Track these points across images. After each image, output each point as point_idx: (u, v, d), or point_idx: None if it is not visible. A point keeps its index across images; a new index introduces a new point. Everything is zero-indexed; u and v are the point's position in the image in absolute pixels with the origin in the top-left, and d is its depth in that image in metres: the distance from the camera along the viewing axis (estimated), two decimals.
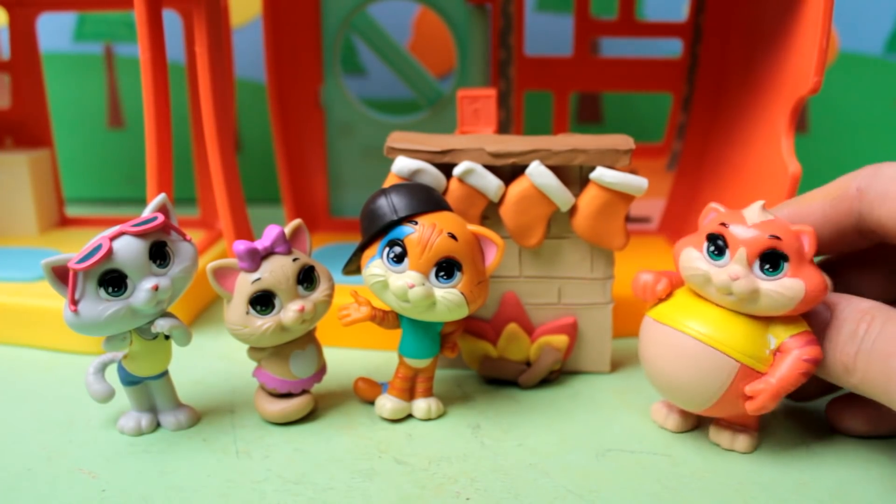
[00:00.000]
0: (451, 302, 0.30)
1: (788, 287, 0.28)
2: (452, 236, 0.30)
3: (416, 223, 0.30)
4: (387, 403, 0.34)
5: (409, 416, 0.34)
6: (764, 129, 0.40)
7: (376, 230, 0.31)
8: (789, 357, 0.28)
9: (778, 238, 0.28)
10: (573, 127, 0.72)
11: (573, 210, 0.35)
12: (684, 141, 0.54)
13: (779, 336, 0.29)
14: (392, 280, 0.30)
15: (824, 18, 0.33)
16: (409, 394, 0.34)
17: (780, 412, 0.35)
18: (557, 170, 0.34)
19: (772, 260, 0.28)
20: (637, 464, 0.30)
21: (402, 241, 0.30)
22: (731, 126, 0.47)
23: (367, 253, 0.32)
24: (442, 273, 0.30)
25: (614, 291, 0.37)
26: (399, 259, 0.30)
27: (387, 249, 0.31)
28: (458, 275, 0.30)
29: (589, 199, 0.34)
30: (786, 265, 0.28)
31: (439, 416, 0.34)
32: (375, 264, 0.31)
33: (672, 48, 0.61)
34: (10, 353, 0.41)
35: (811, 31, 0.34)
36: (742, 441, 0.31)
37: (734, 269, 0.28)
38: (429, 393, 0.34)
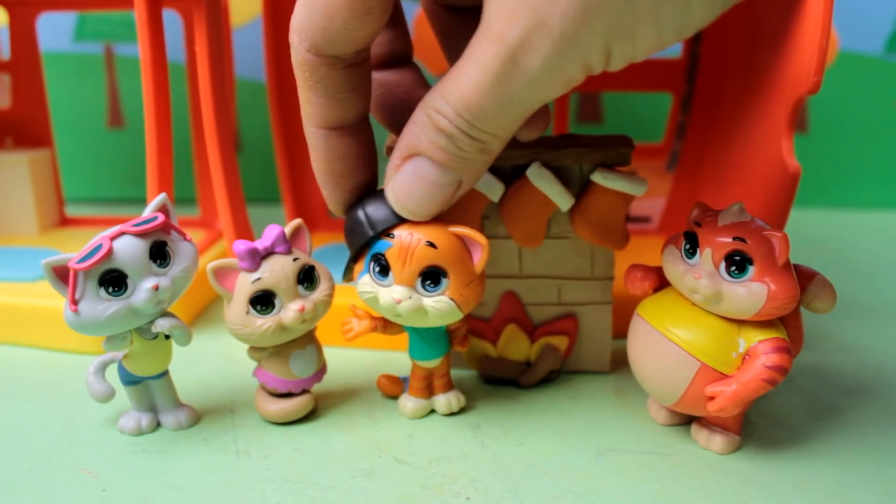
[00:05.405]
0: (440, 310, 0.30)
1: (750, 290, 0.28)
2: (431, 244, 0.29)
3: (394, 235, 0.29)
4: (408, 403, 0.34)
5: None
6: (764, 129, 0.40)
7: (359, 247, 0.30)
8: (754, 363, 0.28)
9: (743, 241, 0.28)
10: (573, 127, 0.72)
11: (573, 210, 0.35)
12: (684, 141, 0.54)
13: (749, 339, 0.29)
14: (381, 296, 0.30)
15: (824, 18, 0.32)
16: (428, 391, 0.34)
17: (779, 412, 0.35)
18: (557, 170, 0.34)
19: (737, 262, 0.28)
20: (637, 464, 0.30)
21: (384, 254, 0.29)
22: (730, 126, 0.47)
23: (357, 267, 0.31)
24: (428, 282, 0.30)
25: (614, 291, 0.37)
26: (384, 272, 0.30)
27: (372, 264, 0.30)
28: (444, 281, 0.30)
29: (589, 199, 0.34)
30: (751, 268, 0.28)
31: (461, 410, 0.34)
32: (364, 280, 0.30)
33: (672, 48, 0.61)
34: (10, 353, 0.41)
35: (811, 30, 0.34)
36: (718, 442, 0.31)
37: (698, 269, 0.29)
38: (448, 388, 0.35)
